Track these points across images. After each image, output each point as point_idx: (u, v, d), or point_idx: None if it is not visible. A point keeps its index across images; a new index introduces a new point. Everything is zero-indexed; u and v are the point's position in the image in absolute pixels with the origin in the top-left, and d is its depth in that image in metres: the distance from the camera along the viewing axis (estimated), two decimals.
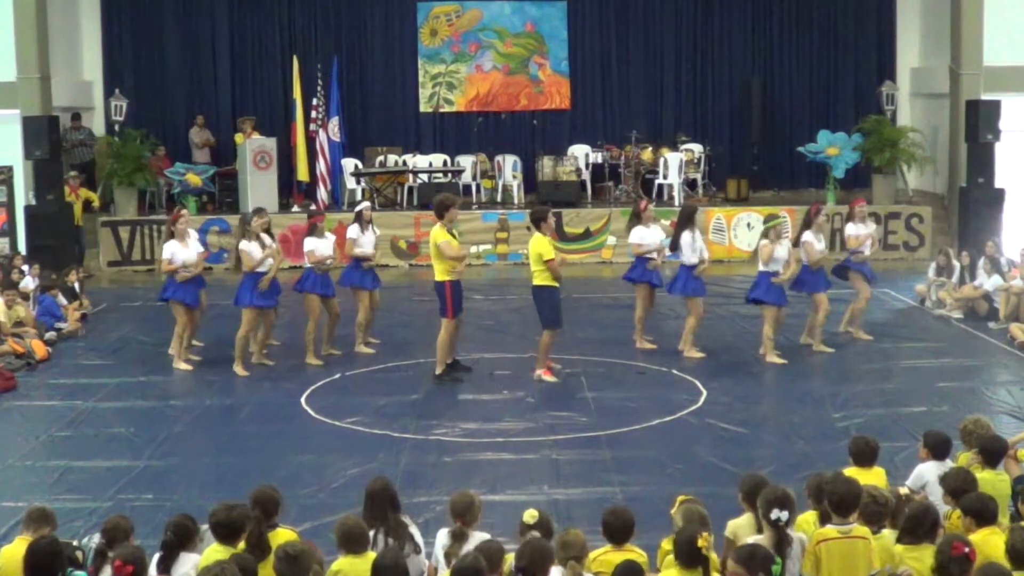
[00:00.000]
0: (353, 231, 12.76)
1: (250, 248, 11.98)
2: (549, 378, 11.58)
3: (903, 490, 6.66)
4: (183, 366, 12.31)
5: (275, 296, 12.28)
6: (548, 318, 11.49)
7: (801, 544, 5.74)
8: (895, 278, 16.95)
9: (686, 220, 12.51)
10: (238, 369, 12.07)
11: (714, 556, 5.78)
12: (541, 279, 11.36)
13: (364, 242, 12.74)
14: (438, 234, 11.36)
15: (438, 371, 11.62)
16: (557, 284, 11.45)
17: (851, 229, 13.16)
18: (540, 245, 11.31)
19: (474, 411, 10.68)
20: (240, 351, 12.12)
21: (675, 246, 12.55)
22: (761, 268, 12.13)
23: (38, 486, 8.78)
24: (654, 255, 12.76)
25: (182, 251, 12.19)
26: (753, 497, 5.93)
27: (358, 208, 13.11)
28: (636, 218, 12.92)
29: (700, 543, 5.32)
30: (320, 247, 12.38)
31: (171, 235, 12.30)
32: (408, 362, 12.43)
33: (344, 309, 12.94)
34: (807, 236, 12.42)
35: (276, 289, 12.25)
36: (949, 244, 17.23)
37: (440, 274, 11.41)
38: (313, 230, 12.45)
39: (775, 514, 5.61)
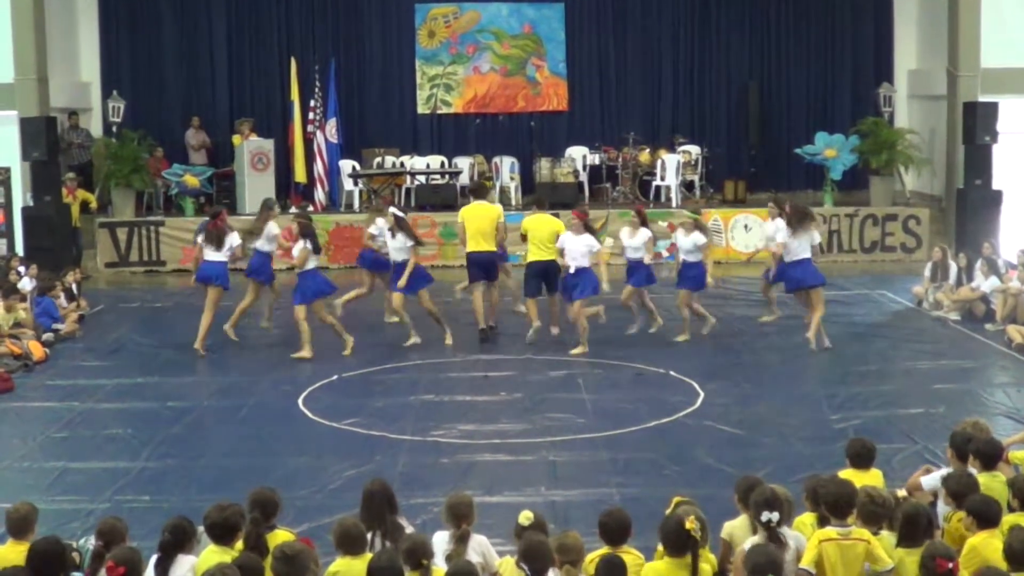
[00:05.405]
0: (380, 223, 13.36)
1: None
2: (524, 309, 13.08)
3: (901, 492, 6.65)
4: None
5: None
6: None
7: (797, 545, 5.74)
8: (892, 280, 16.95)
9: (797, 222, 12.62)
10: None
11: (712, 557, 5.80)
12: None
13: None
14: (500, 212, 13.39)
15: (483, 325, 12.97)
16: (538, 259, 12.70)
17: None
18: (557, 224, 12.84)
19: (471, 412, 10.67)
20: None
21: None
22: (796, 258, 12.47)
23: (35, 487, 8.74)
24: (644, 255, 13.01)
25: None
26: (749, 499, 5.93)
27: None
28: (644, 222, 13.17)
29: (688, 525, 5.30)
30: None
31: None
32: (406, 363, 12.42)
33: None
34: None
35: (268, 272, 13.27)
36: (946, 246, 17.22)
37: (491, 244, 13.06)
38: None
39: (765, 516, 5.63)
